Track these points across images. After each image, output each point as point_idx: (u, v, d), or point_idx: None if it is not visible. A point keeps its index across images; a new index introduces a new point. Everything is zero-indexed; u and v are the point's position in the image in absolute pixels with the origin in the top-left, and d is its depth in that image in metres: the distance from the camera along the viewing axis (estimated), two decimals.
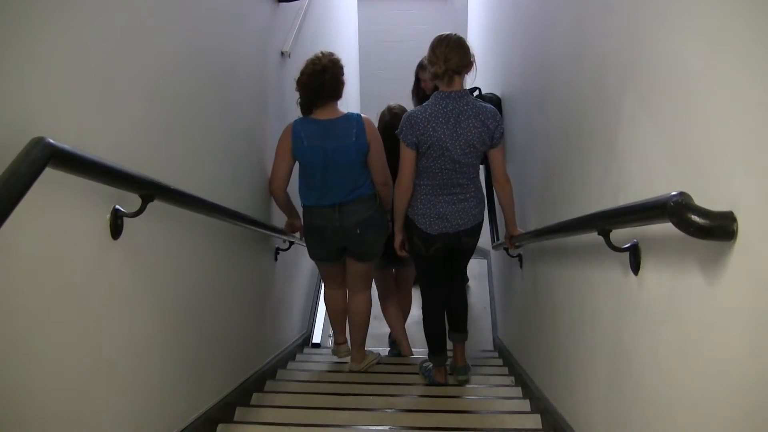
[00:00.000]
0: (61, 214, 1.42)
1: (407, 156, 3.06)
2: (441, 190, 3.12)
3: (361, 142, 3.28)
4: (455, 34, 3.05)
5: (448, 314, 3.48)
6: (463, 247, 3.30)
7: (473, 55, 3.07)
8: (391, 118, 3.87)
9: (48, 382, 1.40)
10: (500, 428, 2.68)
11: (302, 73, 3.32)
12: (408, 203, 3.17)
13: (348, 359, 3.88)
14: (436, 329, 3.42)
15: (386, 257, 3.72)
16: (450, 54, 2.95)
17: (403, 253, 3.38)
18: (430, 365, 3.50)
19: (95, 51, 1.55)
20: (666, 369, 1.43)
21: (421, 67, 4.26)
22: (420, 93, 4.33)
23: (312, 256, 3.66)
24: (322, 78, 3.26)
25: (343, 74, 3.38)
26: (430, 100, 3.08)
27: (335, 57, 3.36)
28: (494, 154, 3.14)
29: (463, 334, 3.51)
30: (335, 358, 4.16)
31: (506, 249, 3.64)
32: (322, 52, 3.35)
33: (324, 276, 3.87)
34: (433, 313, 3.42)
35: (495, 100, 4.49)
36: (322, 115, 3.30)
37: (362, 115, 3.40)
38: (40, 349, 1.36)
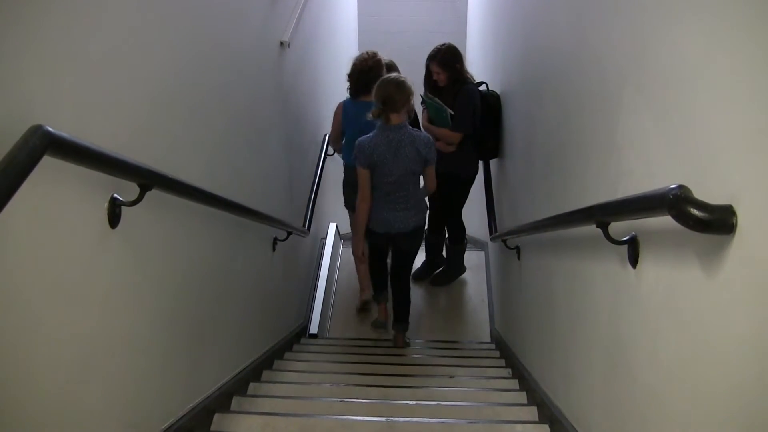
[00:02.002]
0: (59, 202, 1.41)
1: (363, 175, 3.74)
2: (385, 200, 3.81)
3: None
4: (394, 77, 3.72)
5: (393, 306, 4.26)
6: (404, 244, 4.02)
7: (412, 90, 3.72)
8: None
9: (44, 370, 1.40)
10: (497, 420, 2.68)
11: (353, 70, 4.38)
12: (366, 221, 3.87)
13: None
14: (379, 274, 4.37)
15: None
16: (388, 98, 3.60)
17: (361, 259, 4.20)
18: (375, 301, 4.60)
19: (95, 40, 1.54)
20: (664, 362, 1.44)
21: (431, 59, 4.37)
22: (431, 84, 4.43)
23: (347, 204, 4.68)
24: (368, 76, 4.23)
25: (383, 69, 4.32)
26: (375, 131, 3.71)
27: (378, 58, 4.37)
28: (427, 171, 3.82)
29: (404, 324, 4.26)
30: (332, 349, 4.20)
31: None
32: (368, 53, 4.39)
33: None
34: (377, 266, 4.34)
35: (494, 97, 4.52)
36: (366, 98, 4.18)
37: None
38: (36, 337, 1.36)
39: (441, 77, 4.37)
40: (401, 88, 3.62)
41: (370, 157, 3.65)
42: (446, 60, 4.35)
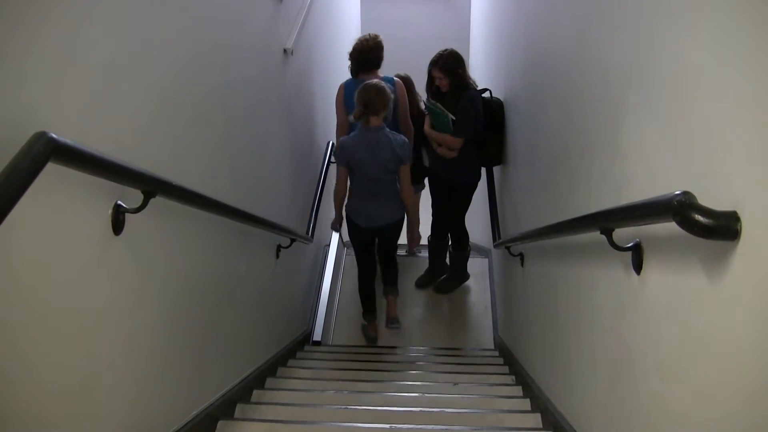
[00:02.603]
0: (63, 209, 1.42)
1: (340, 172, 4.25)
2: (365, 195, 4.24)
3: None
4: (375, 83, 4.06)
5: (382, 278, 4.75)
6: (387, 235, 4.44)
7: (390, 97, 4.06)
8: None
9: (48, 378, 1.40)
10: (500, 427, 2.68)
11: (354, 49, 4.63)
12: (342, 201, 4.36)
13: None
14: (367, 294, 4.73)
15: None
16: (369, 101, 3.97)
17: (337, 229, 4.66)
18: (366, 323, 4.87)
19: (98, 47, 1.54)
20: (667, 369, 1.43)
21: (433, 64, 4.38)
22: (434, 89, 4.44)
23: None
24: (368, 56, 4.58)
25: (382, 50, 4.66)
26: (355, 132, 4.14)
27: (379, 39, 4.66)
28: (402, 170, 4.18)
29: (394, 287, 4.78)
30: (335, 356, 4.22)
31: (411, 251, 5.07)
32: (369, 35, 4.67)
33: None
34: (364, 283, 4.70)
35: (498, 103, 4.53)
36: (365, 77, 4.42)
37: (395, 78, 4.61)
38: (39, 345, 1.36)
39: (443, 83, 4.38)
40: (381, 93, 3.99)
41: (351, 156, 4.10)
42: (448, 65, 4.36)
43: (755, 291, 1.05)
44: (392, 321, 4.78)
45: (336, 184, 4.37)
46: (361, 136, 4.08)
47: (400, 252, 6.00)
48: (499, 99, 4.57)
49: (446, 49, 4.45)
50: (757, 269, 1.04)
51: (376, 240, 4.56)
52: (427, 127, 4.61)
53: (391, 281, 4.76)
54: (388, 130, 4.11)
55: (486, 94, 4.58)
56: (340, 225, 4.54)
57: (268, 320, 3.57)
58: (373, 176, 4.14)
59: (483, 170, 4.85)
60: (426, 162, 4.90)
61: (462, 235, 5.00)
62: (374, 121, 4.02)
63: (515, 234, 3.57)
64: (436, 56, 4.43)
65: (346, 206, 4.38)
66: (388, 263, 4.72)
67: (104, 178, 1.49)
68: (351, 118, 4.07)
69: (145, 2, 1.83)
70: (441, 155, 4.53)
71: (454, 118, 4.35)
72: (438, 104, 4.39)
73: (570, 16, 2.49)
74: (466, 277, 5.33)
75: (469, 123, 4.36)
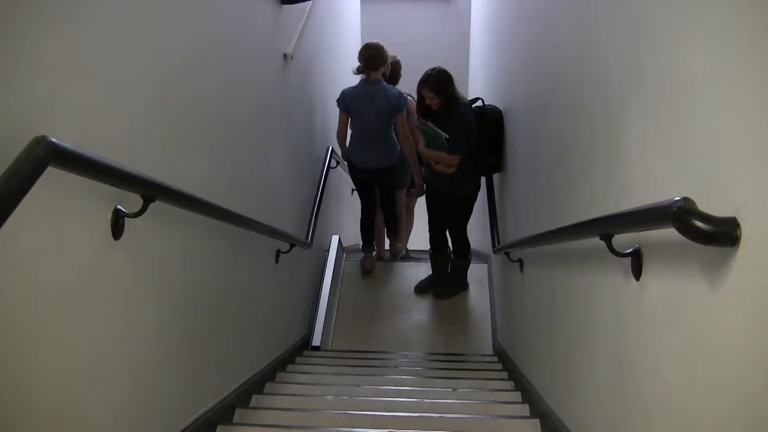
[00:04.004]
0: (63, 213, 1.42)
1: (341, 117, 5.02)
2: (363, 140, 4.99)
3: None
4: (375, 42, 4.82)
5: (385, 223, 5.61)
6: (382, 179, 5.19)
7: (388, 56, 4.88)
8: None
9: (47, 382, 1.40)
10: None
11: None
12: (344, 143, 5.15)
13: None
14: (367, 228, 5.52)
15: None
16: (369, 57, 4.75)
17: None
18: (363, 255, 5.65)
19: (98, 51, 1.55)
20: (667, 375, 1.43)
21: (422, 84, 4.37)
22: (425, 109, 4.42)
23: None
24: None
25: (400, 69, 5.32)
26: (358, 83, 4.86)
27: (396, 58, 5.25)
28: (397, 118, 4.89)
29: (395, 233, 5.72)
30: (335, 361, 4.21)
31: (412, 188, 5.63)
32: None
33: None
34: (365, 219, 5.50)
35: (497, 112, 4.52)
36: (374, 76, 4.89)
37: (409, 96, 4.99)
38: (39, 350, 1.36)
39: (434, 101, 4.37)
40: (380, 52, 4.78)
41: (350, 104, 4.87)
42: (438, 84, 4.34)
43: (755, 297, 1.05)
44: (395, 253, 5.81)
45: (337, 133, 5.15)
46: (361, 88, 4.86)
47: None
48: (496, 107, 4.56)
49: (434, 68, 4.44)
50: (756, 275, 1.04)
51: (377, 188, 5.30)
52: (422, 146, 4.61)
53: (393, 229, 5.66)
54: (385, 83, 4.86)
55: (478, 103, 4.58)
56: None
57: (267, 325, 3.57)
58: (369, 123, 4.86)
59: (482, 177, 4.86)
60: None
61: (463, 245, 5.00)
62: (373, 75, 4.80)
63: (515, 239, 3.57)
64: (424, 76, 4.41)
65: (347, 149, 5.15)
66: (387, 213, 5.51)
67: (104, 182, 1.49)
68: (354, 71, 4.82)
69: (145, 7, 1.83)
70: (439, 171, 4.54)
71: (447, 137, 4.34)
72: (429, 123, 4.39)
73: (571, 22, 2.50)
74: (466, 285, 5.34)
75: (463, 139, 4.37)
